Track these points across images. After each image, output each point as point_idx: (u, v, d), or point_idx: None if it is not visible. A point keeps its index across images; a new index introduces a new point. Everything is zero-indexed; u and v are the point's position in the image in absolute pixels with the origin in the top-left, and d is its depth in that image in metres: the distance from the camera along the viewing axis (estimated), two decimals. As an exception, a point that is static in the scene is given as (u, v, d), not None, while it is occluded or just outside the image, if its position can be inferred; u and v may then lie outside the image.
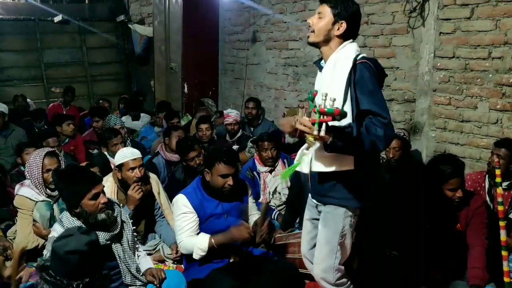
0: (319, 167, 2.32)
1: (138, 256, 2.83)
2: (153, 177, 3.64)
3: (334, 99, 2.02)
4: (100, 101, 7.59)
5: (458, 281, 2.98)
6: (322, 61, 2.43)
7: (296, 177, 3.79)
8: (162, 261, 3.37)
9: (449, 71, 4.00)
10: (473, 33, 3.79)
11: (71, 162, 4.12)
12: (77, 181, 2.50)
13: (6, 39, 8.63)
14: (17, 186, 3.41)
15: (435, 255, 2.98)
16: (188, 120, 6.48)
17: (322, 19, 2.32)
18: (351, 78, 2.22)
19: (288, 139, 5.00)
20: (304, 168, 2.47)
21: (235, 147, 5.20)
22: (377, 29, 4.58)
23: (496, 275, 2.97)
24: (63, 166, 3.38)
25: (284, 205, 4.01)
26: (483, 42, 3.73)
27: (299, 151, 2.51)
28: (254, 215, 3.17)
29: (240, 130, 5.56)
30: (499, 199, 2.67)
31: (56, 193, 3.25)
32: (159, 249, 3.45)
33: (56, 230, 2.50)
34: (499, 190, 2.69)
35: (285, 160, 4.26)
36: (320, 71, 2.44)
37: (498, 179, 2.70)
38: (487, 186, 3.33)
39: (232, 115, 5.51)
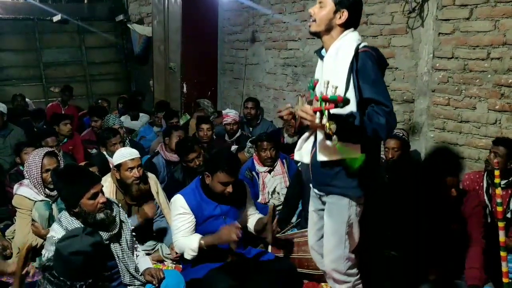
0: (324, 156, 2.30)
1: (137, 256, 2.83)
2: (151, 177, 3.64)
3: (336, 87, 2.01)
4: (99, 101, 7.58)
5: (458, 281, 2.98)
6: (323, 50, 2.43)
7: (297, 175, 3.80)
8: (160, 261, 3.38)
9: (448, 71, 4.00)
10: (472, 34, 3.80)
11: (70, 162, 4.12)
12: (76, 181, 2.50)
13: (5, 39, 8.62)
14: (16, 186, 3.41)
15: (435, 255, 2.99)
16: (187, 119, 6.48)
17: (323, 8, 2.32)
18: (353, 67, 2.22)
19: (287, 139, 5.01)
20: (304, 158, 2.46)
21: (234, 147, 5.20)
22: (376, 29, 4.58)
23: (494, 275, 2.98)
24: (62, 166, 3.38)
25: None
26: (482, 42, 3.74)
27: (299, 141, 2.49)
28: (253, 215, 3.17)
29: (239, 130, 5.56)
30: (498, 200, 2.67)
31: (55, 192, 3.25)
32: (157, 249, 3.46)
33: (55, 230, 2.50)
34: (498, 191, 2.68)
35: (284, 160, 4.27)
36: (321, 60, 2.43)
37: (497, 180, 2.69)
38: (485, 185, 3.34)
39: (231, 115, 5.51)
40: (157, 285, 2.67)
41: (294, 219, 3.91)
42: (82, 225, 2.48)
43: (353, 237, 2.46)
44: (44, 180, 3.29)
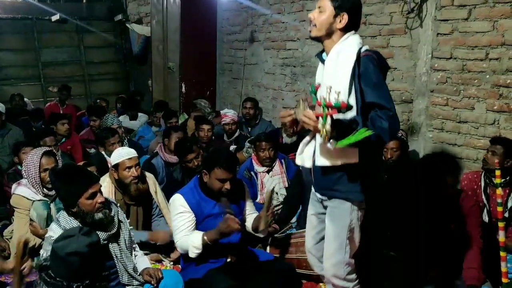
0: (323, 161, 2.30)
1: (135, 256, 2.83)
2: (150, 177, 3.64)
3: (339, 92, 2.02)
4: (98, 101, 7.58)
5: (456, 281, 2.98)
6: (324, 54, 2.42)
7: (297, 175, 3.80)
8: (159, 260, 3.37)
9: (447, 72, 4.01)
10: (471, 34, 3.80)
11: (68, 162, 4.12)
12: (74, 181, 2.50)
13: (3, 38, 8.60)
14: (14, 186, 3.41)
15: (433, 255, 2.99)
16: (185, 119, 6.47)
17: (323, 12, 2.32)
18: (355, 71, 2.21)
19: (286, 139, 5.01)
20: (306, 162, 2.46)
21: (232, 147, 5.20)
22: (375, 30, 4.59)
23: (492, 275, 2.99)
24: (60, 166, 3.37)
25: (281, 205, 4.01)
26: (481, 43, 3.74)
27: (300, 145, 2.50)
28: (251, 214, 3.17)
29: (238, 130, 5.56)
30: (499, 200, 2.67)
31: (53, 192, 3.24)
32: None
33: (53, 230, 2.49)
34: (499, 191, 2.68)
35: (283, 161, 4.27)
36: (322, 63, 2.43)
37: (497, 180, 2.69)
38: (483, 185, 3.34)
39: (229, 114, 5.51)
40: (155, 285, 2.67)
41: (293, 219, 3.91)
42: (80, 225, 2.47)
43: (354, 242, 2.46)
44: (42, 180, 3.29)
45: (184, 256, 2.97)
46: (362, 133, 2.08)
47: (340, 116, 2.08)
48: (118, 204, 2.85)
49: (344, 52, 2.28)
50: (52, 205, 3.30)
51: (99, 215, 2.51)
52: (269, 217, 2.95)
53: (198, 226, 2.92)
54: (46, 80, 8.89)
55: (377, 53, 2.32)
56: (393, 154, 3.83)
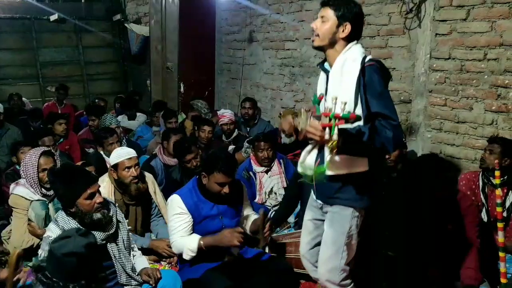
0: (334, 170, 2.28)
1: (133, 256, 2.82)
2: (149, 177, 3.63)
3: (345, 103, 2.03)
4: (96, 100, 7.57)
5: (454, 281, 2.99)
6: (326, 64, 2.42)
7: (295, 174, 3.80)
8: (157, 261, 3.37)
9: (445, 72, 4.01)
10: (469, 35, 3.81)
11: (66, 161, 4.11)
12: (73, 181, 2.50)
13: (1, 38, 8.56)
14: (12, 185, 3.40)
15: (431, 255, 2.99)
16: (182, 119, 6.46)
17: (325, 22, 2.31)
18: (360, 81, 2.22)
19: (284, 140, 5.01)
20: (307, 171, 2.45)
21: (231, 147, 5.20)
22: (373, 30, 4.59)
23: (490, 275, 2.99)
24: (59, 165, 3.37)
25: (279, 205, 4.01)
26: (479, 43, 3.75)
27: (303, 153, 2.50)
28: (249, 215, 3.17)
29: (236, 130, 5.56)
30: (498, 201, 2.68)
31: (51, 192, 3.24)
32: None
33: (51, 230, 2.49)
34: (498, 191, 2.68)
35: (281, 161, 4.27)
36: (324, 72, 2.43)
37: (497, 181, 2.69)
38: (481, 185, 3.35)
39: (227, 115, 5.50)
40: (154, 285, 2.67)
41: (291, 219, 3.91)
42: (79, 225, 2.47)
43: (351, 248, 2.46)
44: (40, 180, 3.28)
45: (182, 256, 2.97)
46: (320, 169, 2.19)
47: (345, 126, 2.09)
48: (117, 204, 2.85)
49: (349, 62, 2.28)
50: (50, 205, 3.29)
51: (97, 215, 2.50)
52: (267, 234, 2.97)
53: (195, 227, 2.92)
54: (45, 79, 8.87)
55: (380, 62, 2.33)
56: (391, 155, 3.82)
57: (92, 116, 5.73)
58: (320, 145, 2.36)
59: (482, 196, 3.33)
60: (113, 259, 2.60)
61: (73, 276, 1.98)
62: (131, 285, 2.67)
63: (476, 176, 3.43)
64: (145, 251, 3.19)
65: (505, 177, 3.27)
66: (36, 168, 3.27)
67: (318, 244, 2.59)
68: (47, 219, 3.20)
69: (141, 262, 2.83)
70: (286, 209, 3.80)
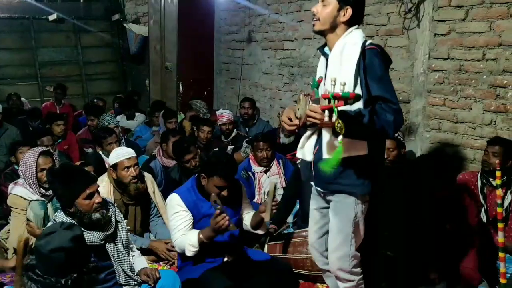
0: (331, 154, 2.24)
1: (132, 256, 2.82)
2: (148, 177, 3.63)
3: (345, 83, 2.00)
4: (95, 100, 7.57)
5: (453, 281, 2.99)
6: (326, 48, 2.41)
7: (294, 174, 3.80)
8: (156, 260, 3.37)
9: (444, 72, 4.02)
10: (468, 35, 3.81)
11: (65, 161, 4.11)
12: (72, 181, 2.49)
13: (0, 37, 8.57)
14: (10, 185, 3.40)
15: (430, 255, 3.00)
16: (181, 119, 6.47)
17: (326, 6, 2.30)
18: (360, 64, 2.21)
19: (283, 140, 5.01)
20: (307, 156, 2.45)
21: (230, 147, 5.20)
22: (372, 30, 4.59)
23: (488, 275, 3.00)
24: (58, 165, 3.36)
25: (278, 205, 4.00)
26: (478, 43, 3.75)
27: (302, 138, 2.47)
28: (249, 213, 3.17)
29: (235, 130, 5.56)
30: (499, 201, 2.67)
31: (50, 192, 3.24)
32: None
33: (44, 228, 2.48)
34: (499, 192, 2.68)
35: (280, 161, 4.27)
36: (324, 57, 2.42)
37: (498, 181, 2.69)
38: (479, 185, 3.35)
39: (225, 114, 5.51)
40: (152, 285, 2.67)
41: (290, 219, 3.91)
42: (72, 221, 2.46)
43: (359, 234, 2.45)
44: (39, 180, 3.28)
45: (182, 255, 2.97)
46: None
47: (346, 108, 2.06)
48: (116, 204, 2.85)
49: (349, 45, 2.28)
50: (49, 205, 3.29)
51: (96, 215, 2.50)
52: (273, 208, 2.94)
53: (195, 226, 2.92)
54: (43, 79, 8.87)
55: (380, 47, 2.32)
56: (389, 154, 3.82)
57: (91, 116, 5.72)
58: (319, 131, 2.34)
59: (481, 197, 3.33)
60: (112, 259, 2.60)
61: (64, 271, 1.98)
62: (130, 285, 2.66)
63: (474, 177, 3.43)
64: (144, 252, 3.19)
65: (504, 178, 3.28)
66: (35, 168, 3.27)
67: (326, 232, 2.57)
68: (45, 219, 3.20)
69: (140, 262, 2.82)
70: (285, 209, 3.79)
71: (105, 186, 3.30)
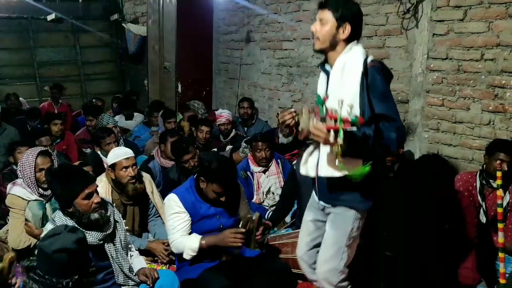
0: (330, 172, 2.28)
1: (131, 256, 2.82)
2: (146, 177, 3.63)
3: (352, 106, 2.01)
4: (94, 100, 7.56)
5: (452, 281, 3.00)
6: (327, 65, 2.40)
7: (290, 174, 3.81)
8: (155, 261, 3.36)
9: (442, 72, 4.02)
10: (466, 35, 3.82)
11: (64, 161, 4.10)
12: (71, 181, 2.49)
13: (-2, 37, 8.58)
14: (9, 185, 3.39)
15: (429, 255, 3.00)
16: (179, 119, 6.47)
17: (325, 25, 2.28)
18: (363, 82, 2.20)
19: (282, 140, 5.01)
20: (310, 172, 2.46)
21: (228, 147, 5.20)
22: (371, 30, 4.60)
23: (487, 275, 3.00)
24: (56, 165, 3.36)
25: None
26: (476, 44, 3.75)
27: (305, 154, 2.49)
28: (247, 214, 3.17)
29: (233, 130, 5.56)
30: (499, 201, 2.68)
31: (48, 192, 3.23)
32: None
33: (49, 230, 2.48)
34: (499, 192, 2.68)
35: (279, 161, 4.27)
36: (325, 73, 2.42)
37: (498, 181, 2.69)
38: (478, 186, 3.35)
39: (224, 115, 5.51)
40: (151, 285, 2.67)
41: (288, 219, 3.91)
42: (76, 225, 2.46)
43: (352, 250, 2.46)
44: (37, 180, 3.27)
45: (179, 256, 2.97)
46: (365, 169, 2.15)
47: (350, 128, 2.07)
48: (115, 204, 2.85)
49: (350, 63, 2.26)
50: (47, 205, 3.29)
51: (95, 215, 2.50)
52: (258, 238, 2.96)
53: (193, 226, 2.92)
54: (42, 79, 8.85)
55: (381, 62, 2.32)
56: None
57: (90, 116, 5.71)
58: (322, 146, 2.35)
59: (479, 197, 3.33)
60: (111, 259, 2.60)
61: (65, 272, 1.99)
62: (129, 285, 2.66)
63: (473, 177, 3.43)
64: (143, 253, 3.19)
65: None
66: (33, 168, 3.27)
67: (317, 245, 2.58)
68: (44, 219, 3.20)
69: (138, 262, 2.83)
70: (283, 209, 3.80)
71: (103, 186, 3.30)
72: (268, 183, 4.18)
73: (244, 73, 6.67)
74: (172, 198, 2.93)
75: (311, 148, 2.44)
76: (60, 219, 2.51)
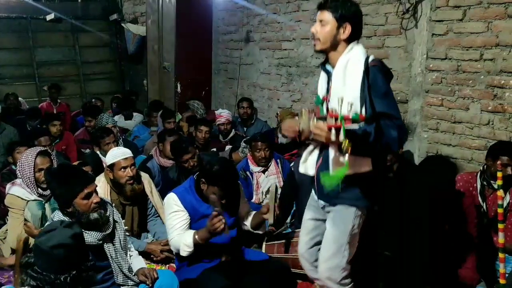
0: (336, 170, 2.27)
1: (130, 256, 2.82)
2: (145, 177, 3.63)
3: (352, 103, 2.02)
4: (93, 100, 7.56)
5: (451, 281, 3.00)
6: (328, 65, 2.41)
7: (289, 175, 3.81)
8: (154, 261, 3.36)
9: (442, 72, 4.02)
10: (465, 35, 3.82)
11: (63, 161, 4.10)
12: (70, 180, 2.49)
13: (-2, 37, 8.58)
14: (8, 185, 3.39)
15: (428, 255, 3.00)
16: (178, 119, 6.47)
17: (325, 25, 2.30)
18: (364, 81, 2.21)
19: (281, 140, 5.02)
20: (309, 170, 2.46)
21: (228, 147, 5.20)
22: (370, 30, 4.59)
23: (486, 276, 3.00)
24: (55, 165, 3.36)
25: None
26: (475, 44, 3.76)
27: (304, 153, 2.49)
28: (249, 214, 3.16)
29: (233, 130, 5.56)
30: (499, 202, 2.68)
31: (47, 192, 3.23)
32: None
33: (45, 226, 2.48)
34: (500, 193, 2.68)
35: (278, 160, 4.27)
36: (326, 74, 2.42)
37: (499, 182, 2.69)
38: (479, 186, 3.35)
39: (224, 114, 5.51)
40: (150, 285, 2.67)
41: (288, 219, 3.91)
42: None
43: (353, 247, 2.46)
44: (37, 180, 3.27)
45: (179, 256, 2.97)
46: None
47: (351, 127, 2.08)
48: (114, 204, 2.84)
49: (352, 63, 2.27)
50: (46, 205, 3.29)
51: (94, 215, 2.50)
52: (276, 209, 2.94)
53: (192, 226, 2.92)
54: (41, 79, 8.85)
55: (382, 62, 2.33)
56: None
57: (89, 117, 5.71)
58: (321, 146, 2.36)
59: (480, 198, 3.33)
60: (110, 259, 2.60)
61: (63, 268, 1.99)
62: (128, 285, 2.66)
63: (473, 178, 3.43)
64: (141, 254, 3.18)
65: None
66: (33, 168, 3.27)
67: (317, 243, 2.59)
68: (43, 219, 3.20)
69: (138, 262, 2.82)
70: (283, 210, 3.79)
71: (101, 186, 3.30)
72: (267, 183, 4.18)
73: (243, 73, 6.67)
74: (172, 197, 2.93)
75: (311, 147, 2.44)
76: (59, 219, 2.51)
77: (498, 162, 2.81)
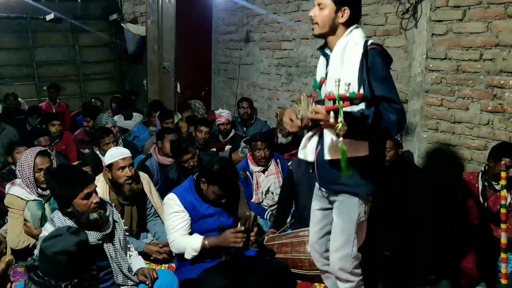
0: (333, 154, 2.26)
1: (130, 256, 2.82)
2: (144, 176, 3.63)
3: (349, 84, 1.98)
4: (93, 100, 7.56)
5: (451, 281, 3.00)
6: (327, 48, 2.40)
7: (288, 176, 3.80)
8: (154, 261, 3.36)
9: (441, 72, 4.02)
10: (465, 35, 3.82)
11: (63, 161, 4.10)
12: (70, 180, 2.49)
13: (-3, 37, 8.58)
14: (8, 185, 3.39)
15: (429, 255, 3.00)
16: (178, 119, 6.47)
17: (323, 9, 2.29)
18: (363, 65, 2.20)
19: (281, 139, 5.02)
20: (308, 156, 2.45)
21: (228, 147, 5.20)
22: (370, 30, 4.59)
23: (486, 276, 3.00)
24: (55, 165, 3.36)
25: (276, 205, 4.00)
26: (475, 44, 3.75)
27: (304, 139, 2.47)
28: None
29: (233, 129, 5.56)
30: (502, 202, 2.67)
31: (47, 192, 3.23)
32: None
33: (48, 230, 2.48)
34: (503, 193, 2.68)
35: (278, 160, 4.27)
36: (324, 57, 2.42)
37: (503, 182, 2.69)
38: (480, 187, 3.35)
39: (224, 114, 5.51)
40: (150, 285, 2.66)
41: (288, 220, 3.90)
42: (75, 225, 2.46)
43: (361, 235, 2.46)
44: (36, 180, 3.27)
45: (179, 256, 2.97)
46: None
47: (348, 109, 2.04)
48: (113, 204, 2.84)
49: (351, 45, 2.27)
50: (46, 205, 3.29)
51: (94, 215, 2.50)
52: (252, 239, 2.91)
53: (192, 227, 2.92)
54: (41, 79, 8.85)
55: (381, 46, 2.32)
56: (387, 154, 3.81)
57: (88, 117, 5.70)
58: (321, 131, 2.33)
59: (481, 199, 3.33)
60: (110, 259, 2.60)
61: (65, 275, 1.98)
62: (128, 285, 2.66)
63: (474, 178, 3.42)
64: (140, 255, 3.18)
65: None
66: (32, 168, 3.27)
67: (327, 233, 2.58)
68: (43, 219, 3.20)
69: (137, 262, 2.82)
70: (283, 213, 3.79)
71: (100, 186, 3.29)
72: (267, 183, 4.18)
73: (243, 73, 6.66)
74: (172, 198, 2.92)
75: (310, 133, 2.42)
76: (59, 219, 2.51)
77: (503, 162, 2.80)
